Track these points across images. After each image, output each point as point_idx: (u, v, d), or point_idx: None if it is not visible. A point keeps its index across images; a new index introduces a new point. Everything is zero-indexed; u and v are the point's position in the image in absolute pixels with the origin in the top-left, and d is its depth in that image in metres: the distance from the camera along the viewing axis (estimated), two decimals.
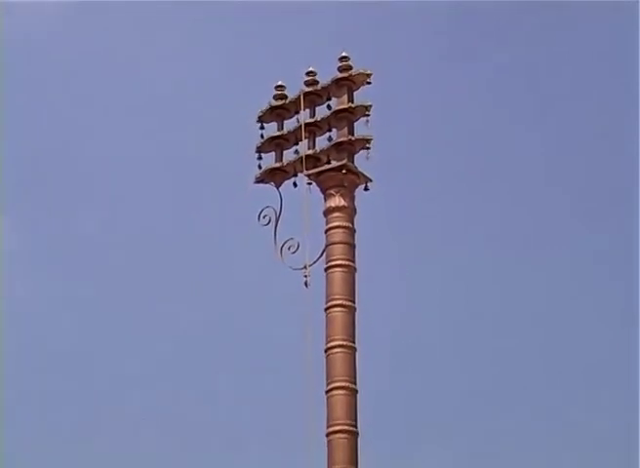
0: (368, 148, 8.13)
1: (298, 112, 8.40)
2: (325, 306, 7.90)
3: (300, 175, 8.29)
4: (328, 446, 7.85)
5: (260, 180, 8.35)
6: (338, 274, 7.92)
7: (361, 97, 8.29)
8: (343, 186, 8.09)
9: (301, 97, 8.32)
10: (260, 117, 8.42)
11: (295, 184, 8.38)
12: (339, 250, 7.95)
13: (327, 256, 7.98)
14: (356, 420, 7.96)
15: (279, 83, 8.44)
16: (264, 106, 8.45)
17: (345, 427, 7.80)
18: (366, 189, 8.26)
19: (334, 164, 8.12)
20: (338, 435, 7.74)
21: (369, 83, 8.21)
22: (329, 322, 7.86)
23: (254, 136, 8.40)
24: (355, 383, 8.02)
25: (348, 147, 8.12)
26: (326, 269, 7.94)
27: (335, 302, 7.86)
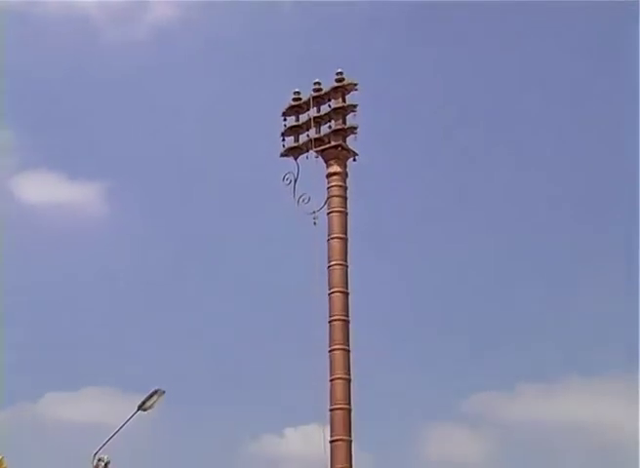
0: (355, 133, 10.28)
1: (308, 109, 10.43)
2: (327, 238, 10.00)
3: (310, 151, 10.30)
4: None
5: (283, 155, 10.38)
6: (336, 217, 10.04)
7: (351, 99, 10.35)
8: (339, 158, 10.23)
9: (311, 99, 10.44)
10: (283, 113, 10.57)
11: (307, 157, 10.37)
12: (336, 200, 10.07)
13: (328, 205, 10.04)
14: (349, 342, 9.65)
15: (296, 90, 10.55)
16: (286, 106, 10.58)
17: (343, 346, 9.64)
18: (354, 160, 10.26)
19: (333, 144, 10.22)
20: (336, 352, 9.57)
21: (356, 89, 10.25)
22: (330, 248, 9.98)
23: (279, 125, 10.61)
24: (348, 315, 9.83)
25: (342, 133, 10.26)
26: (328, 213, 10.02)
27: (334, 235, 10.01)
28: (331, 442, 9.33)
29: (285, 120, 10.60)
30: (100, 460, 13.93)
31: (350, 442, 9.34)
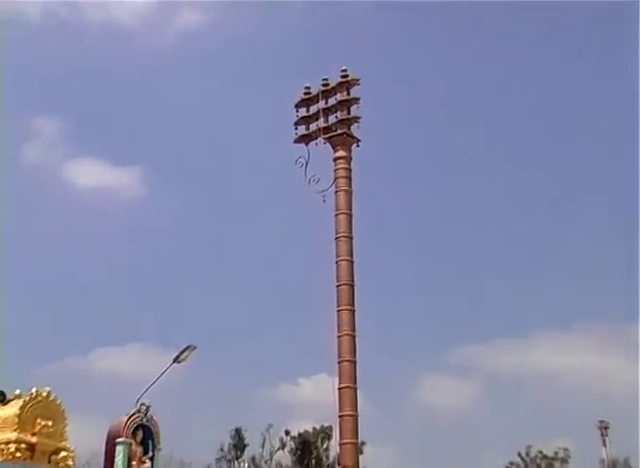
0: (358, 122, 10.42)
1: (317, 102, 10.53)
2: (334, 213, 10.10)
3: (319, 138, 10.40)
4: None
5: (296, 142, 10.47)
6: (342, 195, 10.17)
7: (354, 92, 10.45)
8: (345, 144, 10.33)
9: (320, 93, 10.54)
10: (295, 105, 10.67)
11: (316, 144, 10.46)
12: (342, 181, 10.19)
13: (335, 185, 10.14)
14: (354, 304, 9.77)
15: (306, 85, 10.64)
16: (298, 99, 10.68)
17: (349, 307, 9.79)
18: (357, 146, 10.35)
19: (339, 131, 10.33)
20: (343, 312, 9.75)
21: (358, 84, 10.38)
22: (337, 222, 10.11)
23: (292, 116, 10.70)
24: (353, 280, 9.89)
25: (347, 122, 10.38)
26: (335, 192, 10.12)
27: (341, 211, 10.14)
28: (339, 389, 9.42)
29: (297, 111, 10.71)
30: (142, 405, 14.11)
31: (356, 389, 9.46)
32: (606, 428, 37.91)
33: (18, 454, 11.26)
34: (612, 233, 49.26)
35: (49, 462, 11.78)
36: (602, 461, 37.97)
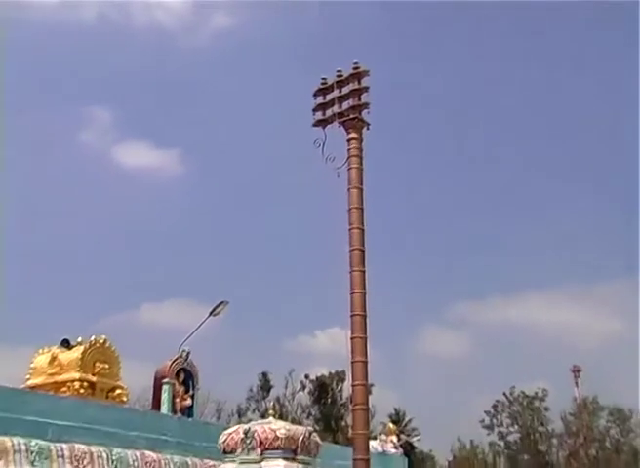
0: (368, 108, 10.25)
1: (332, 91, 10.38)
2: (348, 187, 9.97)
3: (334, 122, 10.27)
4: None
5: (314, 125, 10.34)
6: (354, 171, 10.02)
7: (364, 82, 10.26)
8: (356, 128, 10.19)
9: (334, 83, 10.39)
10: (314, 93, 10.52)
11: (332, 127, 10.32)
12: (354, 160, 10.06)
13: (348, 163, 10.01)
14: (364, 266, 9.62)
15: (323, 76, 10.50)
16: (315, 88, 10.54)
17: (360, 269, 9.61)
18: (367, 129, 10.20)
19: (351, 116, 10.19)
20: (355, 273, 9.58)
21: (368, 75, 10.20)
22: (350, 195, 9.97)
23: (311, 103, 10.56)
24: (364, 246, 9.70)
25: (358, 108, 10.22)
26: (348, 169, 9.97)
27: (353, 185, 9.98)
28: (351, 339, 9.36)
29: (315, 99, 10.61)
30: (183, 351, 14.27)
31: (365, 339, 9.40)
32: (578, 371, 38.67)
33: (81, 391, 11.52)
34: (594, 204, 48.94)
35: (106, 398, 12.03)
36: (574, 399, 38.47)
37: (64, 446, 9.25)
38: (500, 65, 51.35)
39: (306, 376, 40.81)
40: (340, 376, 39.32)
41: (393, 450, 17.93)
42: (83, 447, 9.52)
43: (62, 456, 9.11)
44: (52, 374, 11.97)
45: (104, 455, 9.77)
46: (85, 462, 9.42)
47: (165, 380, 13.44)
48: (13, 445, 8.55)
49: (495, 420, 39.66)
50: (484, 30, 52.40)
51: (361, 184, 10.11)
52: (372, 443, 11.78)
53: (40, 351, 12.67)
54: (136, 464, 10.17)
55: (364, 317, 9.45)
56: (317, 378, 40.76)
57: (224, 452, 9.46)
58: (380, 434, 18.48)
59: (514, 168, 52.06)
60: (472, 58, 51.86)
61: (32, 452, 8.70)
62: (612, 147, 49.38)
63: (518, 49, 51.66)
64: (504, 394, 39.74)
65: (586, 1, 41.84)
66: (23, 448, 8.64)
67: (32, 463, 8.64)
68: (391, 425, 20.42)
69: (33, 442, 8.87)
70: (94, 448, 9.67)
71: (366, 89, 10.31)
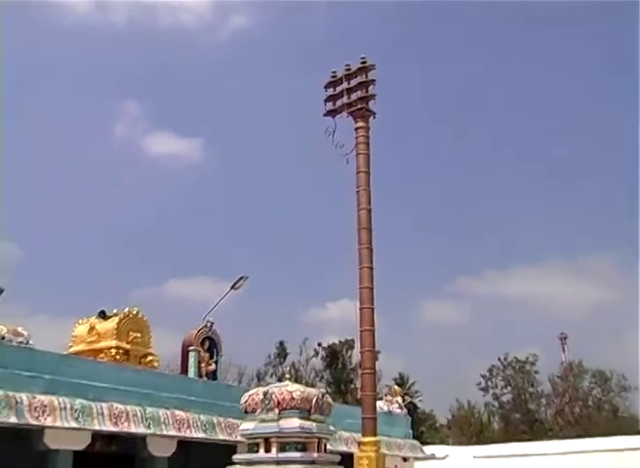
0: (374, 99, 10.19)
1: (342, 83, 10.28)
2: (356, 171, 9.90)
3: (343, 112, 10.19)
4: None
5: (325, 115, 10.27)
6: (361, 157, 9.94)
7: (370, 75, 10.21)
8: (363, 117, 10.10)
9: (343, 76, 10.32)
10: (324, 86, 10.43)
11: (341, 117, 10.26)
12: (362, 146, 9.99)
13: (356, 149, 9.92)
14: (371, 243, 9.56)
15: (333, 70, 10.39)
16: (326, 81, 10.47)
17: (368, 246, 9.61)
18: (374, 118, 10.13)
19: (359, 107, 10.11)
20: (363, 250, 9.64)
21: (374, 69, 10.14)
22: (358, 178, 9.91)
23: (322, 95, 10.47)
24: (371, 224, 9.65)
25: (365, 99, 10.14)
26: (356, 155, 9.88)
27: (361, 170, 9.92)
28: (360, 309, 9.35)
29: (326, 91, 10.53)
30: (207, 322, 14.33)
31: (373, 309, 9.39)
32: (565, 338, 38.92)
33: (117, 357, 11.60)
34: (584, 177, 48.60)
35: (139, 363, 12.12)
36: (561, 363, 38.64)
37: (104, 405, 9.38)
38: (500, 65, 50.51)
39: (319, 344, 40.94)
40: (349, 344, 39.41)
41: (398, 410, 18.03)
42: (120, 406, 9.65)
43: (102, 414, 9.24)
44: (90, 342, 12.07)
45: (139, 414, 9.90)
46: (122, 420, 9.55)
47: (191, 348, 13.52)
48: (59, 403, 8.70)
49: (490, 383, 39.69)
50: (483, 30, 51.45)
51: (368, 168, 10.03)
52: (378, 403, 11.83)
53: (80, 321, 12.78)
54: (166, 422, 10.30)
55: (371, 289, 9.43)
56: (329, 346, 40.89)
57: (245, 412, 9.56)
58: (385, 395, 18.55)
59: (503, 151, 51.68)
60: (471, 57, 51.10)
61: (76, 410, 8.84)
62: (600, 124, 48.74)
63: (518, 48, 50.69)
64: (499, 359, 39.74)
65: (586, 1, 40.69)
66: (68, 406, 8.78)
67: (76, 419, 8.79)
68: (396, 387, 20.49)
69: (77, 401, 9.00)
70: (129, 408, 9.80)
71: (372, 82, 10.20)
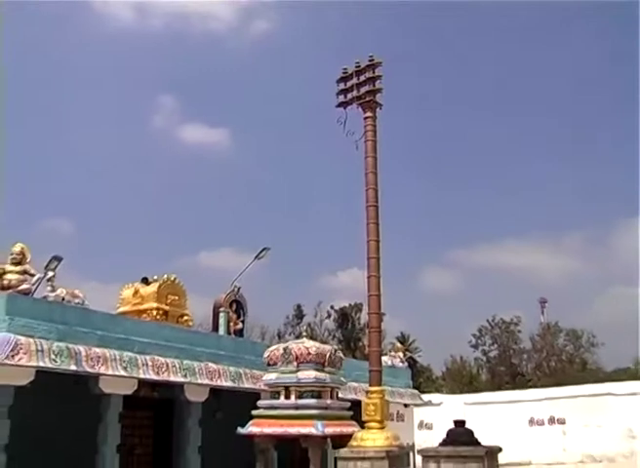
0: (381, 92, 9.93)
1: (352, 78, 10.04)
2: (364, 156, 9.64)
3: (353, 104, 9.94)
4: None
5: (337, 106, 10.00)
6: (369, 143, 9.70)
7: (377, 71, 9.97)
8: (371, 108, 9.87)
9: (353, 72, 10.08)
10: (337, 81, 10.16)
11: (352, 108, 9.98)
12: (370, 134, 9.74)
13: (365, 137, 9.67)
14: (378, 219, 9.39)
15: (344, 66, 10.15)
16: (338, 76, 10.20)
17: (374, 221, 9.41)
18: (380, 109, 9.89)
19: (367, 99, 9.87)
20: (371, 225, 9.40)
21: (381, 65, 9.90)
22: (366, 163, 9.65)
23: (334, 89, 10.18)
24: (378, 202, 9.46)
25: (373, 92, 9.89)
26: (365, 141, 9.63)
27: (369, 155, 9.68)
28: (367, 277, 9.26)
29: (338, 85, 10.30)
30: (235, 287, 14.37)
31: (379, 277, 9.31)
32: (544, 302, 39.07)
33: (158, 317, 11.69)
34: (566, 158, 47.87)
35: (177, 322, 12.21)
36: (541, 324, 38.87)
37: (147, 357, 9.50)
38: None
39: (332, 307, 41.22)
40: (358, 307, 39.63)
41: (400, 364, 18.14)
42: (161, 358, 9.76)
43: (146, 365, 9.35)
44: (135, 304, 12.20)
45: (177, 365, 10.02)
46: (163, 370, 9.66)
47: (221, 309, 13.61)
48: (110, 355, 8.82)
49: (479, 341, 39.95)
50: (482, 30, 50.22)
51: (375, 153, 9.84)
52: (383, 358, 11.86)
53: (126, 286, 12.90)
54: (200, 372, 10.42)
55: (378, 260, 9.35)
56: (340, 309, 41.13)
57: (268, 365, 9.66)
58: (389, 351, 18.67)
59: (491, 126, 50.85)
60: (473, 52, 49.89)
61: (124, 361, 8.96)
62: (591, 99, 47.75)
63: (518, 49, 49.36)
64: (487, 320, 39.91)
65: (587, 1, 39.31)
66: (118, 357, 8.90)
67: (125, 369, 8.91)
68: (398, 344, 20.62)
69: (125, 353, 9.12)
70: (169, 360, 9.91)
71: (379, 77, 9.99)
